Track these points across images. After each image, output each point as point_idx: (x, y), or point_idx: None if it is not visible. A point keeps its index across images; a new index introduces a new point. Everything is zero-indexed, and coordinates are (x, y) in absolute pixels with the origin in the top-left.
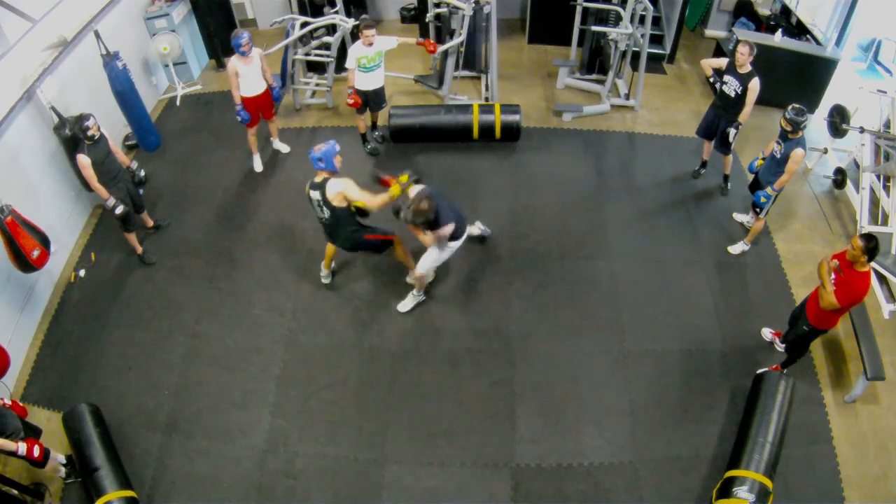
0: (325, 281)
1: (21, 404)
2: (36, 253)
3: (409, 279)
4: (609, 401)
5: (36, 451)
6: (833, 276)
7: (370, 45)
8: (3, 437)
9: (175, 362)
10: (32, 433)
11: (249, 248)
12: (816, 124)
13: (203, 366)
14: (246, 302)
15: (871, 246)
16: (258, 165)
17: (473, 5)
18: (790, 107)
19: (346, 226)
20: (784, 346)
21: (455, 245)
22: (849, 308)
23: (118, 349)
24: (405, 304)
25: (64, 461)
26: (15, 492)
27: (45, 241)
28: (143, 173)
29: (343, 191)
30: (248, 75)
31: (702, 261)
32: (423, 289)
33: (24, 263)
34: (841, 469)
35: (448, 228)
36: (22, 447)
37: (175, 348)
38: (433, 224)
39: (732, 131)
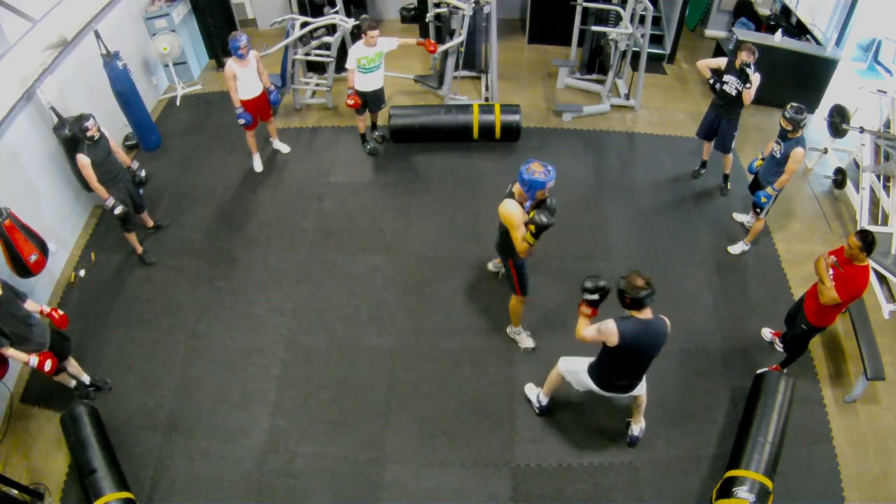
0: (492, 269)
1: (58, 314)
2: (34, 258)
3: (508, 330)
4: (609, 400)
5: (47, 366)
6: (831, 271)
7: (373, 45)
8: (25, 346)
9: (175, 362)
10: (62, 342)
11: (249, 248)
12: (816, 124)
13: (203, 366)
14: (246, 302)
15: (869, 241)
16: (258, 165)
17: (473, 5)
18: (789, 105)
19: (504, 240)
20: (783, 346)
21: (590, 383)
22: (850, 302)
23: (118, 349)
24: (531, 396)
25: (88, 382)
26: (15, 492)
27: (42, 247)
28: (143, 173)
29: (506, 216)
30: (246, 78)
31: (702, 261)
32: (548, 392)
33: (22, 268)
34: (841, 469)
35: (611, 328)
36: (33, 360)
37: (175, 348)
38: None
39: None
